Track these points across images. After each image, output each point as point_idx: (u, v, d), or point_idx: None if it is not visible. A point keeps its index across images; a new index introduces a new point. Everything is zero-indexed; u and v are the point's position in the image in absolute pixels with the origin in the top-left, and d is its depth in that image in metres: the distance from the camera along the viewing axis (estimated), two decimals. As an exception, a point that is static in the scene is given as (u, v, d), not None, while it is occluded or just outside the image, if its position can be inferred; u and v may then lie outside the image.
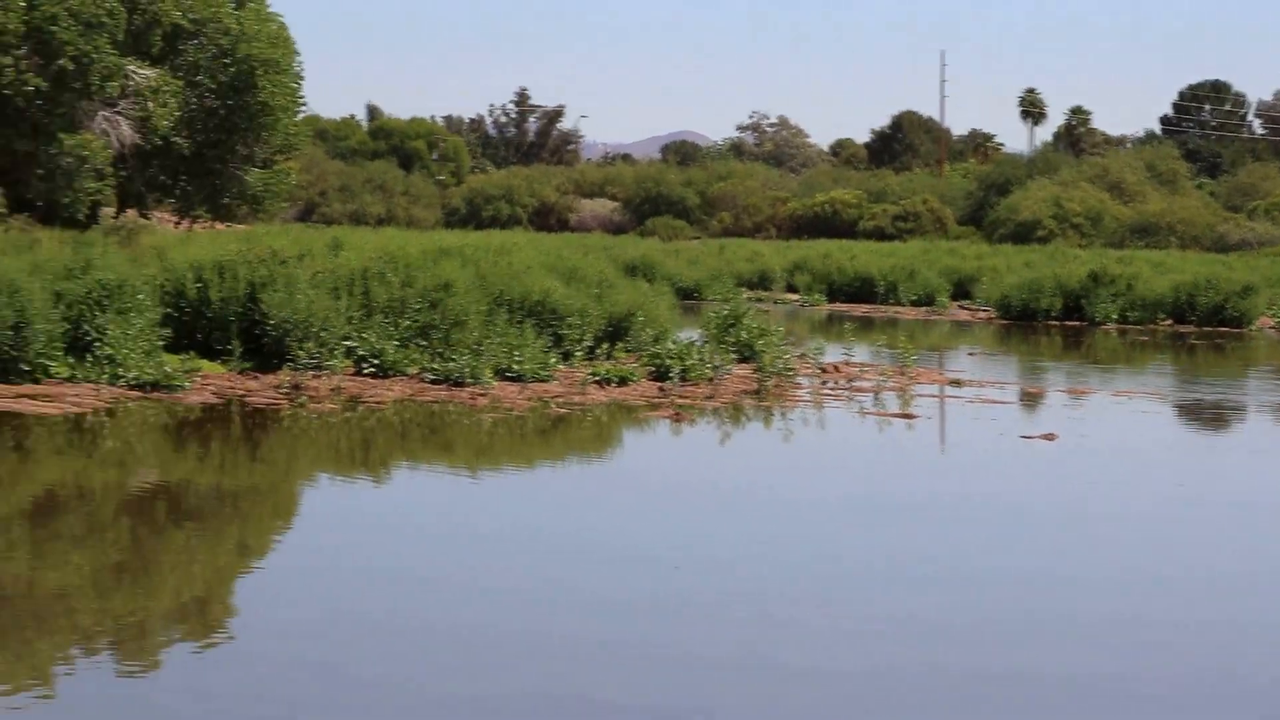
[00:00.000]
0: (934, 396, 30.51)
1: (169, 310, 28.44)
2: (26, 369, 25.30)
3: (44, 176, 44.86)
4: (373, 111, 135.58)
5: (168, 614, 13.71)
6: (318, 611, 13.52)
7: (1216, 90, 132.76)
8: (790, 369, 31.95)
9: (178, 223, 55.37)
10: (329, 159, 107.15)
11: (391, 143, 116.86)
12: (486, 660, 12.24)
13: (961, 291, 65.56)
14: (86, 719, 10.76)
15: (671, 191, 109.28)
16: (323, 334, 28.29)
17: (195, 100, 48.75)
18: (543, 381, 29.08)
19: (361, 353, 28.77)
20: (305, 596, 14.13)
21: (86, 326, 26.37)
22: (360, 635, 12.81)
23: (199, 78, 48.98)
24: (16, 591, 13.93)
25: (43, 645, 12.39)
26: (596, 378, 29.58)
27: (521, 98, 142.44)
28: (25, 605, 13.48)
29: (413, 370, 28.82)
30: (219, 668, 11.91)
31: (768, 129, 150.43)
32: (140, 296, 27.35)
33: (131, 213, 52.80)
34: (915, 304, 64.11)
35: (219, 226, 55.31)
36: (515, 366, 29.10)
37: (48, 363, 25.64)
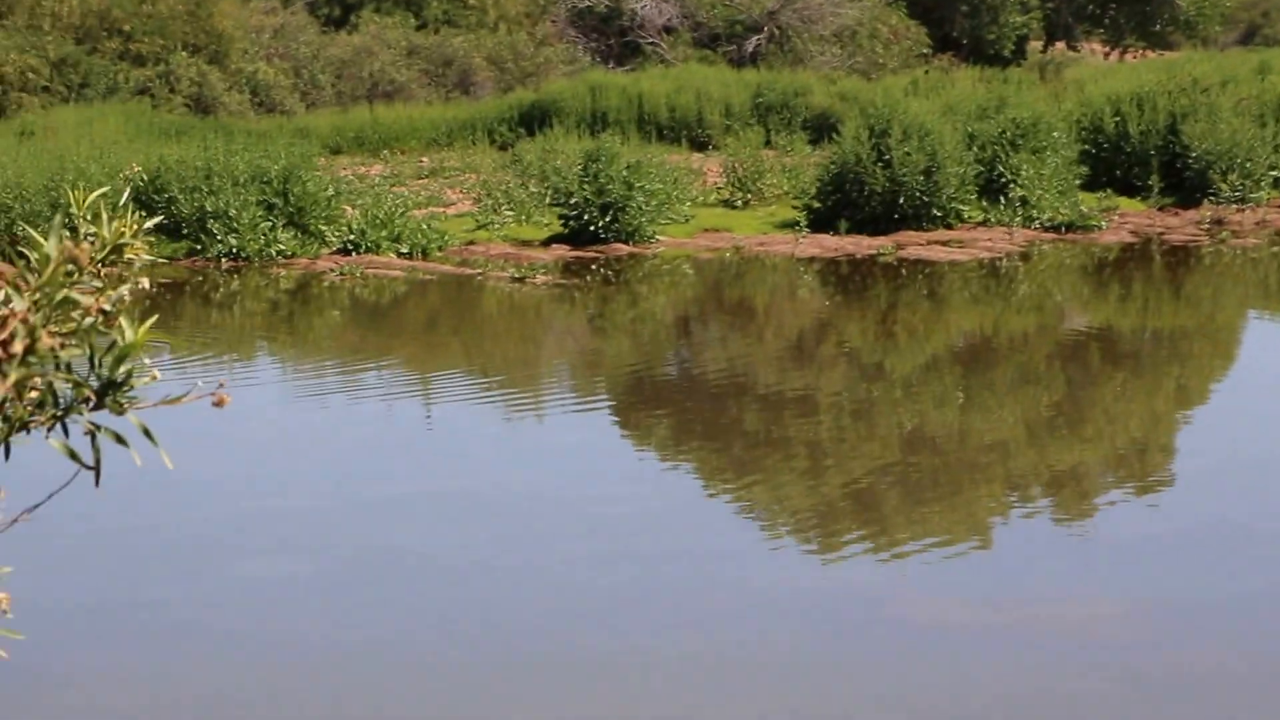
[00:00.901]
0: None
1: (1086, 147, 28.03)
2: (938, 214, 25.44)
3: (968, 13, 45.41)
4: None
5: (1104, 462, 13.51)
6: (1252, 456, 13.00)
7: None
8: None
9: (1108, 53, 54.68)
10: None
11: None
12: None
13: None
14: (1029, 562, 10.65)
15: None
16: (1247, 164, 27.18)
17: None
18: None
19: (1288, 183, 27.54)
20: (1239, 440, 13.60)
21: (1000, 168, 26.28)
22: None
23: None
24: (949, 442, 14.05)
25: (978, 495, 12.44)
26: None
27: None
28: (958, 456, 13.56)
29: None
30: (1156, 520, 11.60)
31: None
32: (1055, 134, 27.04)
33: (1060, 46, 52.60)
34: None
35: (1150, 55, 54.20)
36: None
37: (960, 207, 25.72)
